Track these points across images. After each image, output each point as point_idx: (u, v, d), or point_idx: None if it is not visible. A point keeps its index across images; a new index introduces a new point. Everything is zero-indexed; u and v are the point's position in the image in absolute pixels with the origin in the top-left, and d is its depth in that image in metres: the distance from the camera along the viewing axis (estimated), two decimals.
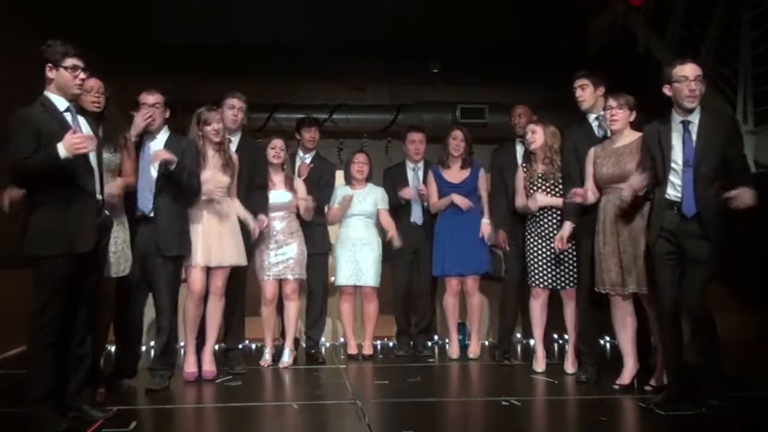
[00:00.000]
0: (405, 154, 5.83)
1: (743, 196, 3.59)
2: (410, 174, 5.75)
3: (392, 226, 5.45)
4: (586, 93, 4.67)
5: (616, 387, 4.33)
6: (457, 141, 5.46)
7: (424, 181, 5.65)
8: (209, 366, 4.71)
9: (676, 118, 3.85)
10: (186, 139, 4.57)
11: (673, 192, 3.80)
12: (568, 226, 4.55)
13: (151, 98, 4.41)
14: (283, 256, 5.12)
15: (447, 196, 5.42)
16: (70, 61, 3.49)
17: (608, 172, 4.28)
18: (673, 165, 3.80)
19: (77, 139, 3.34)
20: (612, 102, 4.32)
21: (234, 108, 5.02)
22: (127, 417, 3.73)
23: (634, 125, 4.30)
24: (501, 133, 5.66)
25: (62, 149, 3.31)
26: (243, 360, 5.04)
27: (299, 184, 5.28)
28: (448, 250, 5.40)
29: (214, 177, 4.61)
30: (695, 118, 3.80)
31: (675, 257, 3.80)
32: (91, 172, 3.53)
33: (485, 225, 5.37)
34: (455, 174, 5.48)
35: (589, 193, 4.38)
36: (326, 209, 5.53)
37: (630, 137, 4.27)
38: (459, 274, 5.44)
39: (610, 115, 4.30)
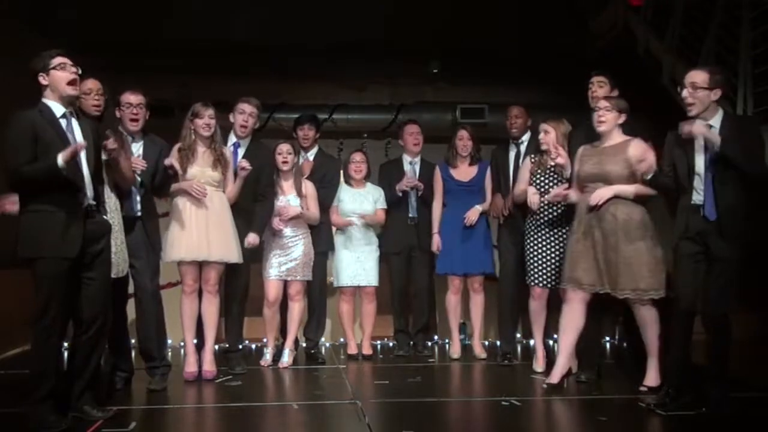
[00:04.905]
0: (403, 148, 5.84)
1: (689, 126, 3.64)
2: (407, 168, 5.76)
3: (379, 220, 5.49)
4: (602, 91, 4.66)
5: (644, 389, 4.25)
6: (463, 141, 5.46)
7: (421, 177, 5.66)
8: (209, 366, 4.71)
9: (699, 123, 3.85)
10: (161, 141, 4.54)
11: (696, 196, 3.81)
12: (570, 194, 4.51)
13: (134, 98, 4.36)
14: (289, 257, 5.12)
15: (456, 193, 5.43)
16: (56, 60, 3.51)
17: (588, 171, 4.30)
18: (697, 170, 3.81)
19: (72, 149, 3.39)
20: (602, 102, 4.33)
21: (244, 113, 5.00)
22: (127, 417, 3.74)
23: (626, 128, 4.31)
24: (501, 133, 5.64)
25: (60, 158, 3.33)
26: (243, 360, 5.05)
27: (308, 186, 5.27)
28: (454, 249, 5.40)
29: (202, 173, 4.61)
30: (716, 123, 3.79)
31: (702, 258, 3.80)
32: (82, 180, 3.53)
33: (474, 210, 5.35)
34: (464, 172, 5.48)
35: (570, 192, 4.44)
36: (331, 208, 5.52)
37: (617, 139, 4.30)
38: (465, 274, 5.43)
39: (598, 116, 4.31)
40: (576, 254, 4.30)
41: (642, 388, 4.25)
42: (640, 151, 4.15)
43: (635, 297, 4.19)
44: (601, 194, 4.18)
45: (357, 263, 5.47)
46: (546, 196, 4.69)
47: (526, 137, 5.32)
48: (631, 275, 4.14)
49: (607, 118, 4.29)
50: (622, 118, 4.31)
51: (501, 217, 5.25)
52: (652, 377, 4.29)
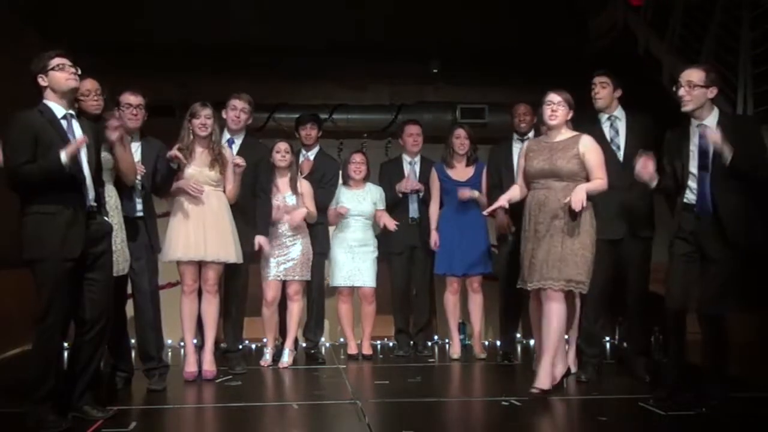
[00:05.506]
0: (402, 148, 5.84)
1: (710, 133, 3.64)
2: (407, 168, 5.75)
3: (386, 217, 5.47)
4: (605, 91, 4.64)
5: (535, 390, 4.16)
6: (461, 139, 5.47)
7: (422, 177, 5.66)
8: (209, 366, 4.71)
9: (693, 123, 3.85)
10: (158, 142, 4.54)
11: (690, 195, 3.82)
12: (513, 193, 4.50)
13: (134, 99, 4.36)
14: (287, 257, 5.12)
15: (454, 193, 5.42)
16: (55, 61, 3.49)
17: (538, 166, 4.25)
18: (691, 169, 3.82)
19: (75, 144, 3.39)
20: (555, 97, 4.25)
21: (236, 109, 5.00)
22: (127, 417, 3.74)
23: (571, 123, 4.30)
24: (501, 133, 5.65)
25: (63, 155, 3.33)
26: (243, 360, 5.05)
27: (304, 184, 5.27)
28: (454, 249, 5.40)
29: (200, 172, 4.61)
30: (712, 122, 3.79)
31: (694, 257, 3.81)
32: (83, 180, 3.52)
33: (470, 191, 5.34)
34: (460, 172, 5.48)
35: (516, 189, 4.43)
36: (329, 209, 5.52)
37: (566, 134, 4.27)
38: (464, 274, 5.44)
39: (550, 111, 4.25)
40: (526, 253, 4.29)
41: (533, 390, 4.08)
42: (588, 147, 4.15)
43: (535, 287, 4.17)
44: (579, 198, 4.05)
45: (352, 263, 5.47)
46: (485, 211, 4.78)
47: (531, 134, 5.32)
48: (544, 268, 4.12)
49: (560, 113, 4.24)
50: (571, 114, 4.29)
51: (509, 234, 5.21)
52: (542, 377, 4.12)
